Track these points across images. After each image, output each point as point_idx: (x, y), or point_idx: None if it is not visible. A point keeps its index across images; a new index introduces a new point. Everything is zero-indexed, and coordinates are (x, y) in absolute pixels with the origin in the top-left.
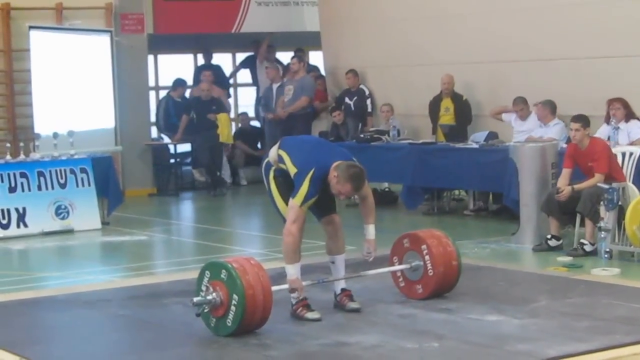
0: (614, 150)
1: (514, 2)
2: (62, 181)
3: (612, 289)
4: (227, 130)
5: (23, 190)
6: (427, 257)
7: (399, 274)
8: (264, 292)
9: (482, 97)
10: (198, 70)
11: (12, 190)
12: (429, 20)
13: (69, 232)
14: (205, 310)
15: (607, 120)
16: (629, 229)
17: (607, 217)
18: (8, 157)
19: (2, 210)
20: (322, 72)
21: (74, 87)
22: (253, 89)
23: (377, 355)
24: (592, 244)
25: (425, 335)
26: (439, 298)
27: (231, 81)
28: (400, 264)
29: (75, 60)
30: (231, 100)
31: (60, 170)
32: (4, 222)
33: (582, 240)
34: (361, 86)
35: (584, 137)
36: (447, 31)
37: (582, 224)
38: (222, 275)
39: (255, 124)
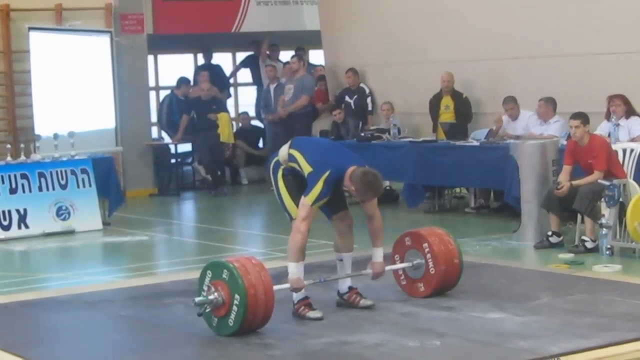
0: (614, 146)
1: None
2: (62, 182)
3: (614, 286)
4: (227, 129)
5: (24, 192)
6: (428, 255)
7: (400, 272)
8: (265, 292)
9: (482, 95)
10: (197, 70)
11: (13, 191)
12: (428, 18)
13: (70, 233)
14: (207, 310)
15: (608, 116)
16: (630, 225)
17: (608, 214)
18: (9, 158)
19: (3, 212)
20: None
21: (74, 88)
22: (253, 89)
23: (379, 354)
24: (594, 241)
25: (427, 333)
26: (440, 296)
27: (231, 81)
28: (401, 262)
29: (75, 61)
30: (231, 100)
31: (61, 171)
32: (5, 223)
33: (583, 237)
34: (361, 85)
35: (584, 134)
36: (447, 29)
37: (583, 221)
38: (224, 275)
39: (256, 123)
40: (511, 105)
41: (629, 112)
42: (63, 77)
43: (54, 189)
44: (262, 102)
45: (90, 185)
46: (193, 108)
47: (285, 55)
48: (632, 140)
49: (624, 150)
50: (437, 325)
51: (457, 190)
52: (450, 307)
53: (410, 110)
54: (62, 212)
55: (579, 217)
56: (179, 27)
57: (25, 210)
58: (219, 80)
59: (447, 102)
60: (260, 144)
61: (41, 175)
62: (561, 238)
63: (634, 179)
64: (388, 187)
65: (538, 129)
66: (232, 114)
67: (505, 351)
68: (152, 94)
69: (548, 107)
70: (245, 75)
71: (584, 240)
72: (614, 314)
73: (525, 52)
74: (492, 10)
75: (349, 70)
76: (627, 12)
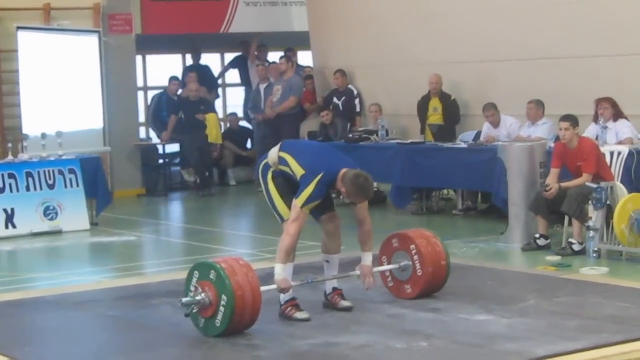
0: (602, 149)
1: (501, 1)
2: (50, 182)
3: (601, 288)
4: (215, 130)
5: (11, 191)
6: (415, 257)
7: (387, 273)
8: (252, 293)
9: (470, 97)
10: (186, 71)
11: (0, 191)
12: (417, 20)
13: (57, 232)
14: (194, 311)
15: (595, 119)
16: (617, 228)
17: (596, 217)
18: None
19: None
20: None
21: (62, 88)
22: (242, 89)
23: (365, 355)
24: (581, 243)
25: (414, 335)
26: (427, 298)
27: (220, 81)
28: (389, 263)
29: (63, 61)
30: (220, 101)
31: (49, 171)
32: None
33: (570, 240)
34: (349, 86)
35: (573, 136)
36: (435, 31)
37: (571, 223)
38: (211, 276)
39: (244, 124)
40: (491, 111)
41: (617, 114)
42: (51, 77)
43: (41, 188)
44: (251, 102)
45: (77, 185)
46: (181, 108)
47: (274, 56)
48: (620, 142)
49: (612, 153)
50: (424, 327)
51: (445, 192)
52: (437, 309)
53: (398, 111)
54: (49, 212)
55: (567, 219)
56: (168, 27)
57: (12, 209)
58: (208, 81)
59: (435, 104)
60: (249, 145)
61: (29, 174)
62: (548, 240)
63: (622, 182)
64: (376, 189)
65: (526, 131)
66: (221, 114)
67: (492, 353)
68: (140, 94)
69: (539, 109)
70: (233, 75)
71: (571, 243)
72: (600, 316)
73: (513, 54)
74: (480, 12)
75: (337, 71)
76: (615, 16)
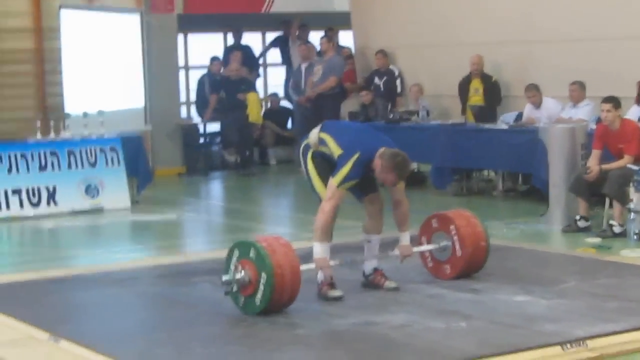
0: None
1: None
2: (92, 160)
3: None
4: (256, 110)
5: (53, 169)
6: (455, 238)
7: (427, 254)
8: (292, 271)
9: (511, 78)
10: (227, 50)
11: (42, 168)
12: (459, 0)
13: (98, 210)
14: (234, 289)
15: (638, 101)
16: None
17: (637, 199)
18: (38, 135)
19: (33, 189)
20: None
21: (104, 67)
22: (283, 69)
23: (404, 335)
24: (621, 226)
25: (452, 315)
26: (466, 278)
27: (261, 61)
28: (428, 244)
29: (105, 40)
30: (261, 80)
31: (90, 149)
32: (34, 200)
33: (611, 222)
34: (391, 66)
35: (615, 118)
36: (476, 11)
37: (611, 205)
38: (251, 254)
39: (285, 104)
40: (533, 92)
41: None
42: (93, 56)
43: (83, 167)
44: (292, 82)
45: (119, 164)
46: (222, 88)
47: (315, 36)
48: None
49: None
50: (462, 307)
51: (485, 173)
52: (476, 290)
53: (439, 92)
54: (91, 190)
55: (607, 201)
56: (209, 6)
57: (54, 187)
58: (249, 61)
59: (476, 85)
60: (289, 125)
61: (70, 153)
62: (589, 222)
63: None
64: (416, 170)
65: (567, 113)
66: (261, 94)
67: (530, 334)
68: (182, 73)
69: (581, 91)
70: (274, 55)
71: (611, 225)
72: None
73: (555, 36)
74: None
75: (378, 51)
76: None
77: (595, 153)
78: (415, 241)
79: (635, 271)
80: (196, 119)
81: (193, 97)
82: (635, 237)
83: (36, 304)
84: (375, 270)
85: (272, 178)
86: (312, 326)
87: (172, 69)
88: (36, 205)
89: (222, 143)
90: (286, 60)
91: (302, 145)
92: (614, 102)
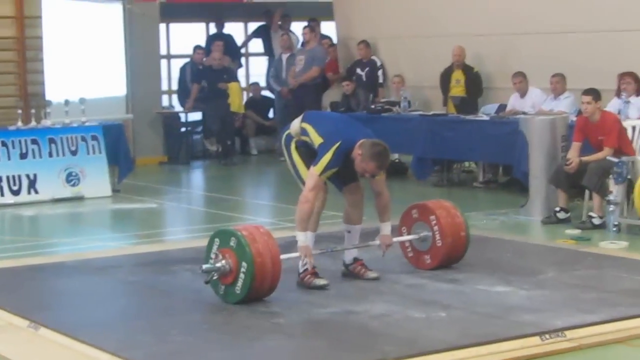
0: (624, 123)
1: None
2: (73, 148)
3: (620, 262)
4: (238, 99)
5: (34, 157)
6: (435, 228)
7: (407, 244)
8: (272, 260)
9: (492, 69)
10: (210, 40)
11: (23, 156)
12: None
13: (79, 199)
14: (214, 278)
15: (618, 94)
16: (637, 202)
17: (616, 191)
18: (19, 123)
19: (13, 177)
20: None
21: (85, 55)
22: (264, 59)
23: (384, 324)
24: (601, 217)
25: (432, 305)
26: (446, 268)
27: (243, 51)
28: (408, 234)
29: (87, 28)
30: (242, 70)
31: (72, 137)
32: (15, 188)
33: (590, 213)
34: (373, 57)
35: (595, 110)
36: (459, 3)
37: (591, 197)
38: (232, 243)
39: (266, 93)
40: (519, 79)
41: None
42: (75, 44)
43: (64, 154)
44: (273, 72)
45: (100, 152)
46: (204, 77)
47: (297, 26)
48: None
49: (634, 128)
50: (442, 297)
51: (466, 164)
52: (456, 280)
53: (421, 83)
54: (71, 178)
55: (587, 193)
56: None
57: (35, 175)
58: (231, 50)
59: (457, 76)
60: (271, 114)
61: (51, 141)
62: (569, 214)
63: None
64: (397, 160)
65: (548, 105)
66: (243, 84)
67: (509, 324)
68: (164, 62)
69: (563, 83)
70: (256, 45)
71: (591, 217)
72: (618, 289)
73: (536, 28)
74: None
75: (360, 42)
76: None
77: (575, 145)
78: (396, 231)
79: (614, 262)
80: (178, 107)
81: (175, 86)
82: (614, 228)
83: (16, 291)
84: (356, 260)
85: (253, 167)
86: (292, 315)
87: (154, 57)
88: (17, 193)
89: (203, 132)
90: (268, 50)
91: (284, 136)
92: (594, 94)
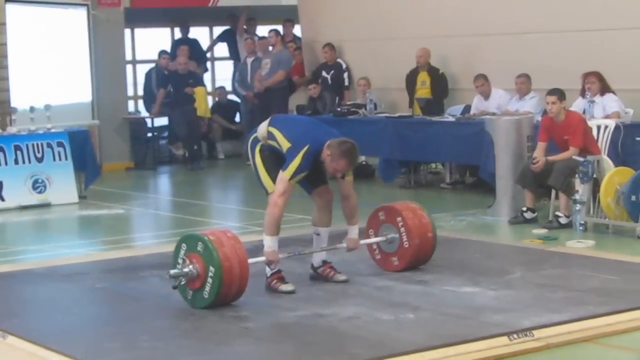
0: (589, 123)
1: None
2: (39, 155)
3: (587, 261)
4: (204, 104)
5: (0, 164)
6: (402, 229)
7: (374, 246)
8: (240, 265)
9: (458, 71)
10: (175, 45)
11: None
12: None
13: (46, 205)
14: (182, 283)
15: (583, 93)
16: (603, 201)
17: (582, 190)
18: None
19: None
20: None
21: (50, 61)
22: (230, 63)
23: (353, 327)
24: (567, 217)
25: (401, 306)
26: (414, 270)
27: (208, 55)
28: (375, 236)
29: (51, 34)
30: (208, 74)
31: (37, 144)
32: None
33: (557, 213)
34: (338, 60)
35: (560, 110)
36: (423, 5)
37: (557, 197)
38: (199, 248)
39: (233, 98)
40: (481, 81)
41: (604, 89)
42: (40, 50)
43: (30, 161)
44: (238, 76)
45: (66, 159)
46: (170, 82)
47: (263, 30)
48: (607, 117)
49: (599, 127)
50: (411, 299)
51: (433, 165)
52: (424, 281)
53: (386, 85)
54: (38, 185)
55: (553, 193)
56: (156, 0)
57: (1, 183)
58: (196, 55)
59: (423, 77)
60: (237, 119)
61: (17, 148)
62: (535, 214)
63: (608, 156)
64: (364, 162)
65: (514, 105)
66: (209, 88)
67: (478, 324)
68: (129, 67)
69: (528, 83)
70: (222, 49)
71: (557, 216)
72: (586, 288)
73: (501, 29)
74: None
75: (326, 45)
76: None
77: (541, 145)
78: (363, 234)
79: (581, 261)
80: (144, 113)
81: (140, 91)
82: (580, 227)
83: None
84: (325, 262)
85: (221, 172)
86: (261, 319)
87: (120, 63)
88: None
89: (169, 137)
90: (234, 54)
91: (251, 139)
92: (559, 94)
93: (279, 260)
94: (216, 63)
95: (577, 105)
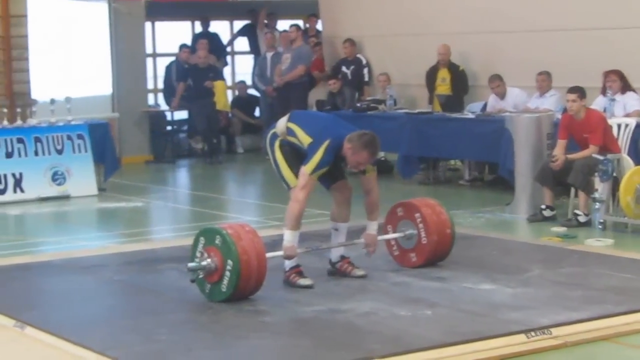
0: (609, 121)
1: None
2: (59, 147)
3: (605, 260)
4: (223, 98)
5: (20, 156)
6: (420, 226)
7: (393, 242)
8: (258, 258)
9: (478, 68)
10: (195, 38)
11: (9, 155)
12: None
13: (65, 198)
14: (200, 276)
15: (603, 92)
16: (623, 200)
17: (602, 188)
18: (5, 122)
19: None
20: None
21: (71, 54)
22: (250, 58)
23: (370, 322)
24: (586, 215)
25: (418, 303)
26: (432, 266)
27: (229, 49)
28: (394, 232)
29: (72, 27)
30: (228, 69)
31: (57, 136)
32: (1, 187)
33: (576, 211)
34: (358, 55)
35: (580, 108)
36: (444, 1)
37: (576, 195)
38: (217, 241)
39: (252, 92)
40: (497, 83)
41: (625, 87)
42: (60, 43)
43: (49, 153)
44: (258, 70)
45: (86, 151)
46: (190, 75)
47: (283, 24)
48: (627, 115)
49: (619, 126)
50: (428, 295)
51: (452, 162)
52: (442, 278)
53: (406, 81)
54: (57, 177)
55: (573, 191)
56: None
57: (20, 174)
58: (216, 49)
59: (443, 74)
60: (257, 113)
61: (37, 140)
62: (554, 212)
63: (628, 154)
64: (383, 158)
65: (534, 103)
66: (229, 82)
67: (495, 322)
68: (149, 61)
69: (549, 81)
70: (242, 44)
71: (577, 214)
72: (604, 287)
73: (522, 26)
74: None
75: (346, 40)
76: None
77: (561, 143)
78: (381, 230)
79: (600, 260)
80: (164, 106)
81: (160, 84)
82: (599, 226)
83: (2, 290)
84: (343, 258)
85: (239, 166)
86: (278, 313)
87: (140, 56)
88: (2, 192)
89: (189, 131)
90: (254, 48)
91: (269, 134)
92: (580, 92)
93: (298, 254)
94: (236, 57)
95: (598, 103)
